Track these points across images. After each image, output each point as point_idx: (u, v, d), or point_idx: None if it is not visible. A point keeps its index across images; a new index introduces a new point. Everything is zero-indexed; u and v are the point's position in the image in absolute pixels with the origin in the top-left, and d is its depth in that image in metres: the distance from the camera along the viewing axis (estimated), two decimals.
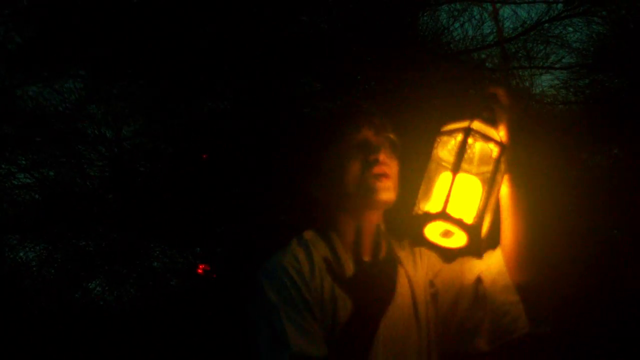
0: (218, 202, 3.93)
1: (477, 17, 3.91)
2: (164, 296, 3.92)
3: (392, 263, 2.00)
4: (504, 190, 1.95)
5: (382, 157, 1.98)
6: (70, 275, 3.78)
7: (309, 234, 2.03)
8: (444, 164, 1.91)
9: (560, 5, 3.92)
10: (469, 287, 1.98)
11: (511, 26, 3.95)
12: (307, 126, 2.26)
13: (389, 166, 2.01)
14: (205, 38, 3.81)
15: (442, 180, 1.90)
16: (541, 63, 3.94)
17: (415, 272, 2.02)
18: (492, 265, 1.97)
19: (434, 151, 1.94)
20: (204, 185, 3.92)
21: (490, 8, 3.91)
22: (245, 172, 3.93)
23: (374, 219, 2.03)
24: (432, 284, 2.03)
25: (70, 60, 3.82)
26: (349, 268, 1.94)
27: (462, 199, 1.87)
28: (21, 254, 3.79)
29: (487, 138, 1.89)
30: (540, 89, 3.84)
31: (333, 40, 3.87)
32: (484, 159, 1.90)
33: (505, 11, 3.97)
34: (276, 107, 3.89)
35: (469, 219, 1.85)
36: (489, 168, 1.89)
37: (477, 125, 1.91)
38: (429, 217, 1.86)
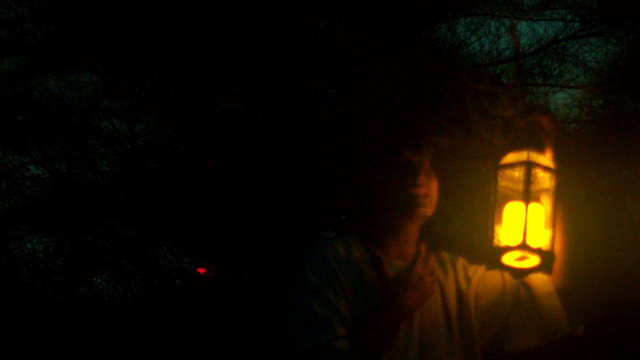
0: (226, 203, 3.94)
1: (494, 31, 3.94)
2: (168, 294, 3.92)
3: (425, 270, 2.17)
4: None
5: (421, 178, 2.10)
6: (77, 269, 3.78)
7: (347, 235, 2.23)
8: (509, 193, 2.05)
9: (577, 24, 3.94)
10: (512, 292, 2.20)
11: (527, 42, 3.98)
12: (350, 140, 2.43)
13: (426, 186, 2.20)
14: (222, 40, 3.82)
15: (512, 210, 2.10)
16: (555, 81, 3.96)
17: (446, 280, 2.23)
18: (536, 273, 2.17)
19: (498, 184, 2.15)
20: (213, 186, 3.92)
21: (507, 23, 3.93)
22: (254, 176, 3.94)
23: (410, 230, 2.22)
24: (467, 288, 2.24)
25: (87, 54, 3.82)
26: (389, 268, 2.15)
27: (535, 227, 2.08)
28: (28, 246, 3.80)
29: (545, 168, 2.11)
30: (554, 107, 3.85)
31: (350, 47, 3.88)
32: (543, 186, 2.11)
33: (522, 27, 3.99)
34: (289, 111, 3.90)
35: (544, 246, 2.08)
36: (548, 194, 2.11)
37: (534, 156, 2.12)
38: (511, 249, 2.07)
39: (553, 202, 2.11)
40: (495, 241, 2.10)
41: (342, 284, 2.07)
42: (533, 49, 3.97)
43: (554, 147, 2.15)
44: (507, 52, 3.94)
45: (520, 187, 2.08)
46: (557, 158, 2.14)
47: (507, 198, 2.11)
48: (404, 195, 2.16)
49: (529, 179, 2.06)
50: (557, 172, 2.12)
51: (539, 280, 2.18)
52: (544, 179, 2.09)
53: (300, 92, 3.90)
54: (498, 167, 2.14)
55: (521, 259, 2.08)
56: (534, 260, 2.07)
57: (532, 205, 2.08)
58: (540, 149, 2.13)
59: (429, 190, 2.19)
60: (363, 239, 2.20)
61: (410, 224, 2.20)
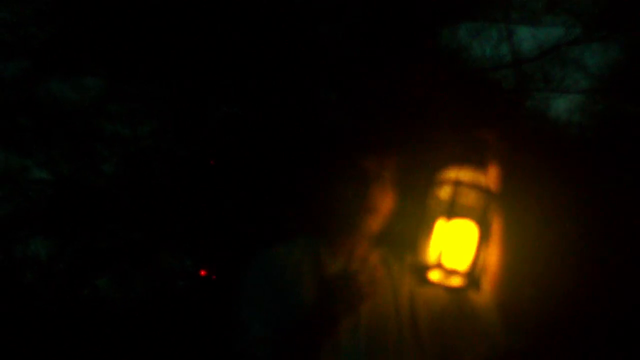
0: (227, 203, 3.96)
1: (495, 37, 3.94)
2: (170, 296, 3.95)
3: (377, 270, 2.12)
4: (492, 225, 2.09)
5: (372, 191, 2.09)
6: (79, 272, 3.81)
7: (298, 239, 2.15)
8: (439, 210, 2.04)
9: (578, 30, 3.94)
10: (453, 304, 2.14)
11: (528, 48, 3.97)
12: (315, 144, 2.38)
13: (379, 199, 2.11)
14: (223, 40, 3.83)
15: (438, 229, 2.03)
16: (557, 86, 3.95)
17: (402, 279, 2.16)
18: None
19: (428, 200, 2.07)
20: (214, 186, 3.94)
21: (509, 28, 3.94)
22: (255, 176, 3.96)
23: (358, 237, 2.13)
24: (418, 292, 2.17)
25: (90, 57, 3.84)
26: (331, 269, 2.08)
27: (457, 246, 2.02)
28: (32, 248, 3.82)
29: (475, 187, 2.03)
30: (556, 112, 3.86)
31: (350, 48, 3.90)
32: (475, 204, 2.03)
33: (524, 32, 3.98)
34: (289, 114, 3.91)
35: (462, 266, 2.00)
36: (480, 211, 2.03)
37: (465, 174, 2.03)
38: (428, 268, 2.02)
39: (487, 222, 2.04)
40: (418, 259, 2.07)
41: (277, 287, 2.03)
42: (535, 54, 3.96)
43: (500, 165, 2.12)
44: (508, 58, 3.95)
45: (446, 205, 2.03)
46: (504, 176, 2.11)
47: (436, 216, 2.05)
48: (349, 205, 2.08)
49: (453, 198, 2.03)
50: (494, 191, 2.08)
51: (480, 295, 2.13)
52: (476, 198, 2.03)
53: (299, 94, 3.91)
54: (430, 184, 2.09)
55: (448, 276, 2.04)
56: (456, 279, 2.04)
57: (459, 225, 2.03)
58: (481, 166, 2.11)
59: (379, 205, 2.12)
60: (313, 241, 2.13)
61: (356, 232, 2.12)
